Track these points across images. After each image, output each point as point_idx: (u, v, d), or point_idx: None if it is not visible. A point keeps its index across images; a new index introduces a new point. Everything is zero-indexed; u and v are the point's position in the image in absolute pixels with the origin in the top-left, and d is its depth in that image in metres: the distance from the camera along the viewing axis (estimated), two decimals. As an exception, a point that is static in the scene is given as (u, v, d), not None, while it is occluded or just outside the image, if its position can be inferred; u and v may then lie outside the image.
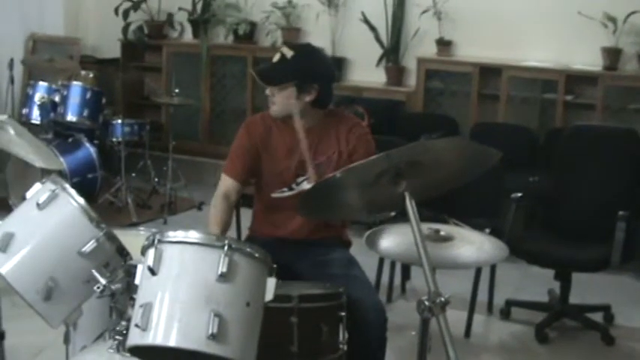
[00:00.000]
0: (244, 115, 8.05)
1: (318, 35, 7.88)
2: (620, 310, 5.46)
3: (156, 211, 7.32)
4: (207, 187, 7.38)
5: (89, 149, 7.03)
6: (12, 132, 3.51)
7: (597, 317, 5.34)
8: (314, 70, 3.66)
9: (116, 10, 8.80)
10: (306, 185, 3.66)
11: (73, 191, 2.90)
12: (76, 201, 2.86)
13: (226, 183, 3.74)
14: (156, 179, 7.68)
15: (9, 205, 6.55)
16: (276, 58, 3.66)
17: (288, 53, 3.63)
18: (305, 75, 3.61)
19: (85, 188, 6.52)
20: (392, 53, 7.81)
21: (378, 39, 7.79)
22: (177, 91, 7.35)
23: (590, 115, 6.91)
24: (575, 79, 7.10)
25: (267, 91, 3.70)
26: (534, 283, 5.74)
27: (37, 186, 3.00)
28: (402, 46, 7.82)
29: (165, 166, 7.46)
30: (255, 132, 3.76)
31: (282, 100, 3.64)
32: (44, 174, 3.83)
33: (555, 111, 7.10)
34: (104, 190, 7.20)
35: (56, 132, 7.13)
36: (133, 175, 7.55)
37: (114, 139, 7.30)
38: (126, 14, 8.80)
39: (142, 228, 3.71)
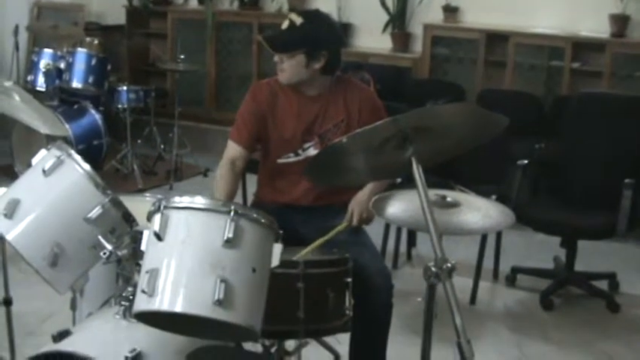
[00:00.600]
0: (250, 81, 8.03)
1: (324, 1, 7.83)
2: (625, 277, 5.47)
3: (161, 178, 7.34)
4: (212, 154, 7.37)
5: (94, 116, 7.02)
6: (17, 98, 3.50)
7: (602, 285, 5.36)
8: (323, 36, 3.64)
9: (121, -24, 8.78)
10: (313, 151, 3.67)
11: (78, 157, 2.90)
12: (81, 167, 2.86)
13: (232, 149, 3.72)
14: (161, 146, 7.68)
15: (14, 171, 6.55)
16: (285, 24, 3.63)
17: (297, 20, 3.61)
18: (314, 42, 3.59)
19: (90, 155, 6.51)
20: (398, 19, 7.77)
21: (384, 5, 7.74)
22: (182, 57, 7.33)
23: (597, 83, 6.87)
24: (582, 47, 7.06)
25: (276, 58, 3.67)
26: (540, 250, 5.75)
27: (43, 152, 3.01)
28: (409, 13, 7.78)
29: (171, 133, 7.47)
30: (261, 97, 3.74)
31: (291, 68, 3.62)
32: (49, 140, 3.83)
33: (562, 78, 7.06)
34: (110, 157, 7.21)
35: (61, 99, 7.14)
36: (139, 141, 7.56)
37: (119, 106, 7.29)
38: (134, -19, 8.78)
39: (147, 194, 3.71)
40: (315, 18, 3.76)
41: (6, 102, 3.54)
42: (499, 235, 5.38)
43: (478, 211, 2.84)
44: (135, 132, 7.33)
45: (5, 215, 2.83)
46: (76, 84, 6.98)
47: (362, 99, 3.75)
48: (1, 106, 3.56)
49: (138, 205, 3.05)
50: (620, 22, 6.91)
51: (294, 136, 3.69)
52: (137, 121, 7.47)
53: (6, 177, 6.32)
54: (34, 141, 6.45)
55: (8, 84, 3.51)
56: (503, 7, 7.40)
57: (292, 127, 3.69)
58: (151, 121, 7.65)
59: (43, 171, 2.88)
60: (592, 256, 5.55)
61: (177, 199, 2.54)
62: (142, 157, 7.48)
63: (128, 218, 2.88)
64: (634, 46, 6.92)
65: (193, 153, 7.65)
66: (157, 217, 2.50)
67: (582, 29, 7.08)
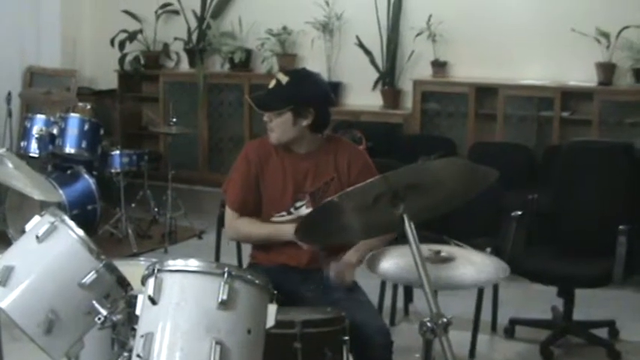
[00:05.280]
0: (242, 142, 8.06)
1: (313, 61, 7.91)
2: (624, 324, 5.45)
3: (156, 241, 7.32)
4: (207, 215, 7.39)
5: (88, 181, 7.02)
6: (10, 165, 3.50)
7: (602, 333, 5.33)
8: (309, 93, 3.67)
9: (112, 42, 8.86)
10: (305, 210, 3.68)
11: (72, 223, 2.90)
12: (75, 233, 2.86)
13: (232, 215, 3.81)
14: (156, 209, 7.68)
15: (8, 237, 6.54)
16: (272, 84, 3.68)
17: (284, 79, 3.65)
18: (301, 99, 3.62)
19: (84, 220, 6.52)
20: (388, 76, 7.83)
21: (373, 63, 7.82)
22: (174, 120, 7.35)
23: (587, 131, 6.91)
24: (571, 96, 7.13)
25: (265, 118, 3.71)
26: (537, 300, 5.73)
27: (36, 219, 3.01)
28: (398, 69, 7.85)
29: (165, 196, 7.48)
30: (253, 158, 3.77)
31: (279, 126, 3.65)
32: (43, 206, 3.83)
33: (552, 128, 7.11)
34: (104, 221, 7.19)
35: (55, 164, 7.14)
36: (133, 205, 7.56)
37: (113, 170, 7.26)
38: (122, 45, 8.86)
39: (142, 258, 3.72)
40: (301, 76, 3.80)
41: (0, 170, 3.54)
42: (496, 287, 5.37)
43: (473, 265, 2.85)
44: (128, 196, 7.33)
45: (-1, 283, 2.82)
46: (69, 149, 7.00)
47: (352, 157, 3.77)
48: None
49: (132, 269, 3.05)
50: (607, 70, 6.98)
51: (285, 194, 3.71)
52: (131, 185, 7.47)
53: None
54: (28, 207, 6.46)
55: (1, 151, 3.51)
56: (492, 61, 7.47)
57: (283, 185, 3.71)
58: (144, 184, 7.66)
59: (37, 237, 2.88)
60: (590, 304, 5.53)
61: (170, 262, 2.55)
62: (137, 221, 7.47)
63: (123, 283, 2.87)
64: (621, 93, 6.99)
65: (188, 215, 7.64)
66: (151, 281, 2.51)
67: (570, 79, 7.15)
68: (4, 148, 3.55)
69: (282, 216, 3.73)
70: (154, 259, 2.93)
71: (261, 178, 3.73)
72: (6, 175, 3.53)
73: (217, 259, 5.20)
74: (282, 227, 3.62)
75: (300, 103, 3.62)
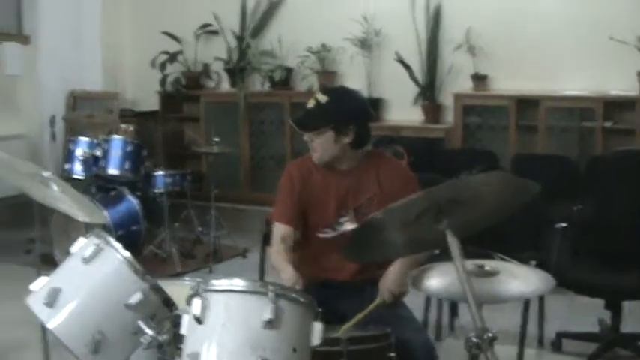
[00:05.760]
0: (284, 160, 8.10)
1: (353, 77, 7.93)
2: (673, 336, 5.38)
3: (200, 260, 7.34)
4: (250, 234, 7.41)
5: (132, 202, 7.09)
6: (56, 188, 3.55)
7: (650, 345, 5.27)
8: (349, 111, 3.67)
9: (153, 63, 8.93)
10: (349, 226, 3.68)
11: (117, 244, 2.93)
12: (120, 254, 2.89)
13: (279, 230, 3.75)
14: (199, 228, 7.73)
15: (54, 259, 6.61)
16: (311, 104, 3.69)
17: (322, 98, 3.65)
18: (341, 118, 3.63)
19: (129, 240, 6.55)
20: (428, 91, 7.82)
21: (413, 77, 7.81)
22: (216, 140, 7.39)
23: (629, 141, 6.84)
24: (613, 105, 7.06)
25: (306, 137, 3.72)
26: (584, 313, 5.67)
27: (82, 240, 3.04)
28: (438, 83, 7.84)
29: (208, 215, 7.51)
30: (295, 176, 3.79)
31: (321, 145, 3.67)
32: (88, 228, 3.88)
33: (595, 138, 7.05)
34: (148, 242, 7.24)
35: (99, 186, 7.22)
36: (176, 225, 7.60)
37: (156, 191, 7.32)
38: (163, 66, 8.93)
39: (186, 278, 3.73)
40: (340, 94, 3.80)
41: (45, 192, 3.59)
42: (542, 300, 5.32)
43: (517, 278, 2.83)
44: (172, 216, 7.38)
45: (47, 304, 2.86)
46: (113, 171, 7.08)
47: (394, 172, 3.77)
48: (41, 197, 3.62)
49: (177, 289, 3.07)
50: (648, 79, 6.93)
51: (329, 211, 3.71)
52: (174, 205, 7.51)
53: (46, 265, 6.37)
54: (73, 229, 6.53)
55: (47, 174, 3.56)
56: (531, 72, 7.44)
57: (327, 202, 3.72)
58: (187, 204, 7.71)
59: (83, 259, 2.92)
60: (638, 315, 5.47)
61: (215, 281, 2.56)
62: (180, 241, 7.51)
63: (168, 303, 2.89)
64: (664, 101, 6.92)
65: (231, 234, 7.67)
66: (197, 301, 2.52)
67: (611, 88, 7.09)
68: (49, 172, 3.59)
69: (327, 232, 3.73)
70: (198, 279, 2.95)
71: (304, 196, 3.74)
72: (52, 198, 3.59)
73: (262, 277, 5.21)
74: (283, 271, 3.60)
75: (340, 122, 3.62)
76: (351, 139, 3.64)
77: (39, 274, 3.17)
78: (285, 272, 3.56)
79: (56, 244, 6.84)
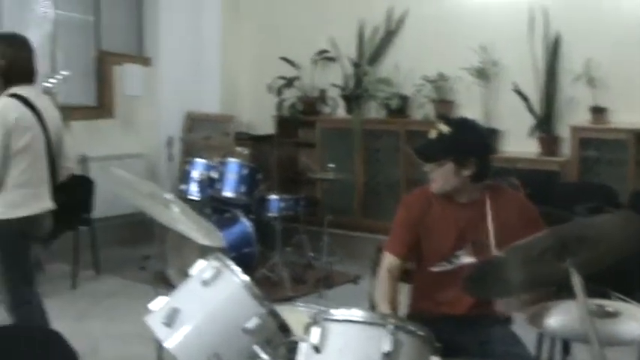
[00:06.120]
0: (398, 188, 8.09)
1: (469, 107, 7.88)
2: None
3: (311, 286, 7.35)
4: (362, 261, 7.38)
5: (246, 224, 7.17)
6: (176, 210, 3.62)
7: None
8: (471, 144, 3.66)
9: (270, 88, 9.05)
10: (466, 259, 3.64)
11: (236, 268, 2.97)
12: (239, 278, 2.93)
13: (388, 260, 3.73)
14: (311, 253, 7.76)
15: (166, 277, 6.73)
16: (433, 134, 3.67)
17: (445, 129, 3.64)
18: (462, 150, 3.61)
19: (242, 263, 6.50)
20: (544, 122, 7.71)
21: (530, 109, 7.71)
22: (331, 166, 7.43)
23: None
24: None
25: (426, 168, 3.71)
26: None
27: (202, 263, 3.09)
28: (555, 115, 7.71)
29: (320, 241, 7.53)
30: (414, 206, 3.77)
31: (441, 176, 3.65)
32: (202, 249, 3.93)
33: None
34: (260, 265, 7.30)
35: (214, 208, 7.33)
36: (288, 249, 7.66)
37: (270, 214, 7.39)
38: (279, 91, 9.03)
39: (301, 304, 3.74)
40: (463, 126, 3.78)
41: (166, 213, 3.66)
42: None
43: (638, 321, 2.76)
44: (284, 240, 7.44)
45: (165, 324, 2.91)
46: (228, 193, 7.19)
47: (514, 206, 3.72)
48: (162, 218, 3.69)
49: (291, 314, 3.09)
50: None
51: (446, 244, 3.68)
52: (287, 229, 7.57)
53: (159, 282, 6.51)
54: (188, 249, 6.63)
55: (168, 196, 3.64)
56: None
57: (445, 235, 3.69)
58: (300, 229, 7.75)
59: (202, 281, 2.97)
60: None
61: (334, 311, 2.57)
62: (292, 265, 7.54)
63: (284, 329, 2.91)
64: None
65: (343, 260, 7.68)
66: (316, 330, 2.53)
67: None
68: (171, 194, 3.67)
69: (443, 266, 3.70)
70: (312, 305, 2.97)
71: (421, 228, 3.72)
72: (172, 219, 3.65)
73: (372, 306, 5.20)
74: (380, 306, 3.58)
75: (461, 154, 3.60)
76: (471, 171, 3.62)
77: (157, 294, 3.24)
78: (381, 309, 3.56)
79: (170, 262, 6.96)
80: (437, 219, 3.71)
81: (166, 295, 3.16)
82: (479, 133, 3.80)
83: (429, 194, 3.75)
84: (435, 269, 3.71)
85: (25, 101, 4.55)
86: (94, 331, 6.07)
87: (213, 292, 2.95)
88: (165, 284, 6.01)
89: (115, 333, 6.06)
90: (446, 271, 3.68)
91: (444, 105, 8.17)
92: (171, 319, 2.92)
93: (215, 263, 3.01)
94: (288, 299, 6.58)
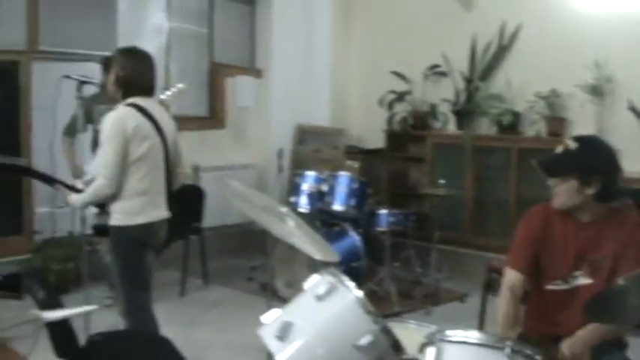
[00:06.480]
0: (508, 206, 7.98)
1: (583, 124, 7.72)
2: None
3: (418, 302, 7.28)
4: (470, 279, 7.35)
5: (354, 238, 7.17)
6: (291, 223, 3.63)
7: None
8: (597, 163, 3.58)
9: (380, 102, 9.05)
10: (583, 280, 3.56)
11: (350, 284, 2.96)
12: (353, 294, 2.92)
13: (511, 276, 3.69)
14: (419, 269, 7.71)
15: (273, 288, 6.77)
16: (560, 149, 3.61)
17: (572, 145, 3.57)
18: (587, 168, 3.54)
19: (349, 276, 6.56)
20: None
21: (644, 126, 7.54)
22: (442, 182, 7.38)
23: None
24: None
25: (549, 182, 3.64)
26: None
27: (315, 277, 3.09)
28: (671, 134, 7.52)
29: (428, 256, 7.48)
30: (535, 222, 3.72)
31: (564, 192, 3.59)
32: (310, 263, 3.93)
33: None
34: (367, 279, 7.27)
35: (323, 220, 7.34)
36: (396, 264, 7.62)
37: (378, 229, 7.37)
38: (390, 105, 9.02)
39: (412, 321, 3.71)
40: (591, 144, 3.70)
41: (281, 227, 3.68)
42: None
43: None
44: (392, 254, 7.40)
45: (278, 337, 2.92)
46: (338, 207, 7.20)
47: (637, 233, 3.62)
48: (276, 231, 3.71)
49: (403, 332, 3.07)
50: None
51: (564, 262, 3.62)
52: (395, 244, 7.53)
53: (265, 293, 6.53)
54: (296, 261, 6.66)
55: (283, 210, 3.65)
56: None
57: (563, 253, 3.63)
58: (408, 244, 7.71)
59: (316, 296, 2.97)
60: None
61: (450, 332, 2.54)
62: (399, 280, 7.49)
63: (397, 347, 2.89)
64: None
65: (451, 277, 7.61)
66: (431, 350, 2.51)
67: None
68: (286, 207, 3.67)
69: (557, 285, 3.63)
70: (425, 323, 2.94)
71: (541, 244, 3.67)
72: (287, 233, 3.66)
73: (481, 326, 5.15)
74: (502, 333, 3.52)
75: (586, 172, 3.53)
76: (595, 190, 3.54)
77: (269, 306, 3.25)
78: (501, 330, 3.51)
79: (278, 274, 6.99)
80: (557, 236, 3.66)
81: (279, 308, 3.17)
82: (606, 153, 3.69)
83: (551, 211, 3.69)
84: (549, 288, 3.64)
85: (142, 110, 4.64)
86: (201, 339, 6.14)
87: (326, 308, 2.94)
88: (273, 296, 6.04)
89: (222, 342, 6.12)
90: (561, 290, 3.62)
91: (556, 122, 8.02)
92: (284, 332, 2.93)
93: (329, 278, 3.00)
94: (395, 314, 6.55)
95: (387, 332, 2.86)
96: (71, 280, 7.04)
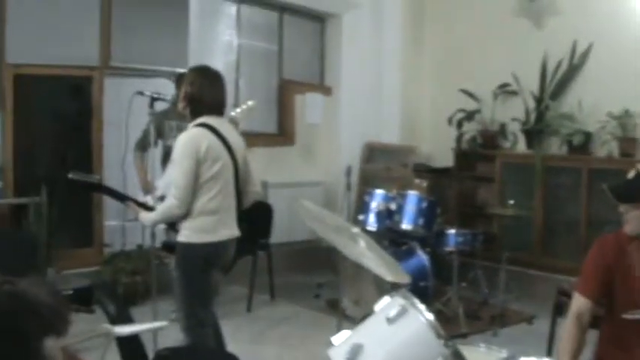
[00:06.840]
0: (578, 227, 7.89)
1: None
2: None
3: (485, 323, 7.21)
4: (538, 301, 7.27)
5: (422, 257, 7.13)
6: (362, 244, 3.62)
7: None
8: None
9: (450, 120, 9.01)
10: (661, 309, 3.49)
11: (422, 307, 2.94)
12: (424, 317, 2.89)
13: (579, 302, 3.63)
14: (486, 290, 7.64)
15: (340, 307, 6.75)
16: (631, 174, 3.55)
17: (644, 170, 3.51)
18: None
19: (416, 296, 6.56)
20: None
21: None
22: (511, 202, 7.31)
23: None
24: None
25: (621, 208, 3.58)
26: None
27: (386, 299, 3.07)
28: None
29: (496, 277, 7.42)
30: (608, 249, 3.65)
31: (636, 219, 3.52)
32: (377, 282, 3.91)
33: None
34: (435, 299, 7.24)
35: (391, 239, 7.32)
36: (464, 284, 7.57)
37: (446, 249, 7.35)
38: (459, 124, 8.98)
39: (482, 344, 3.67)
40: None
41: (352, 247, 3.67)
42: None
43: None
44: (460, 274, 7.35)
45: (348, 359, 2.90)
46: (406, 226, 7.19)
47: None
48: (348, 251, 3.70)
49: (472, 354, 3.04)
50: None
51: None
52: (462, 264, 7.49)
53: (331, 311, 6.54)
54: (363, 280, 6.65)
55: (355, 230, 3.64)
56: None
57: (639, 280, 3.55)
58: (476, 264, 7.65)
59: (387, 319, 2.94)
60: None
61: (523, 359, 2.51)
62: (466, 301, 7.45)
63: (468, 371, 2.86)
64: None
65: (519, 299, 7.53)
66: (505, 376, 2.48)
67: None
68: (357, 228, 3.67)
69: (635, 314, 3.55)
70: (495, 347, 2.91)
71: (616, 272, 3.60)
72: (358, 254, 3.66)
73: (549, 350, 5.07)
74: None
75: None
76: (668, 217, 3.47)
77: (339, 326, 3.24)
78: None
79: (344, 292, 6.98)
80: (631, 264, 3.59)
81: (348, 328, 3.16)
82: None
83: (623, 237, 3.63)
84: (627, 316, 3.57)
85: (213, 130, 4.67)
86: (268, 355, 6.16)
87: (397, 330, 2.92)
88: (339, 314, 6.03)
89: (289, 359, 6.12)
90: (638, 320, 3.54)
91: (628, 143, 7.91)
92: (354, 354, 2.91)
93: (400, 300, 2.98)
94: (462, 335, 6.51)
95: (458, 356, 2.84)
96: (139, 293, 7.11)
